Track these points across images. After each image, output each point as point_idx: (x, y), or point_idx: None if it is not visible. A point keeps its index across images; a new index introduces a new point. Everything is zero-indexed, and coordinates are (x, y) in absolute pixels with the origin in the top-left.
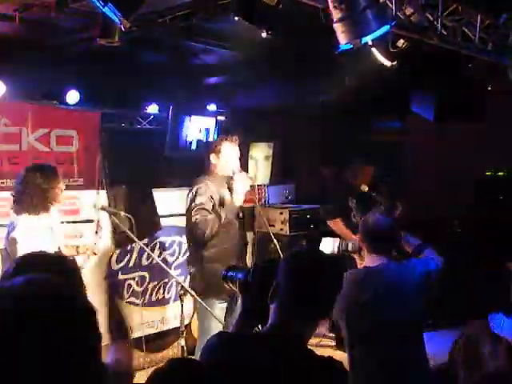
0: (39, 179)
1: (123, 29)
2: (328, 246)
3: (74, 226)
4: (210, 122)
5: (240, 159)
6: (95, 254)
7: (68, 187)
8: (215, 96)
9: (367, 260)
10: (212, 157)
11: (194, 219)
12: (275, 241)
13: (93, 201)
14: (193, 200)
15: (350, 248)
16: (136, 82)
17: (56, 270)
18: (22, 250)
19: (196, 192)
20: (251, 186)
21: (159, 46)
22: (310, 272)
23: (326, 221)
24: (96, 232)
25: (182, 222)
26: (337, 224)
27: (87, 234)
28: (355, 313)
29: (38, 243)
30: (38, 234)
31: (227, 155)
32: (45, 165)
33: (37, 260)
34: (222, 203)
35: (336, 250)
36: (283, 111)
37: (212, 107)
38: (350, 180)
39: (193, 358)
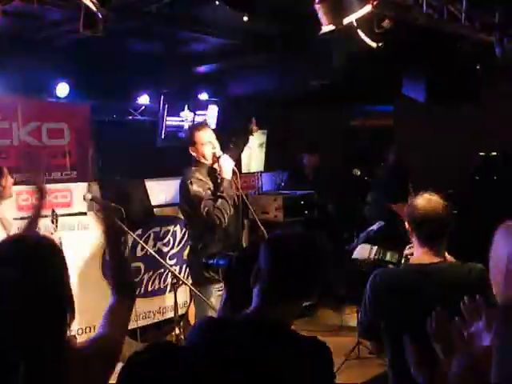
0: None
1: (100, 17)
2: (364, 252)
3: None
4: (201, 111)
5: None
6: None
7: (60, 180)
8: (207, 84)
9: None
10: (191, 150)
11: (203, 211)
12: (262, 228)
13: (84, 193)
14: (187, 192)
15: (388, 258)
16: (126, 72)
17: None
18: None
19: (188, 184)
20: (234, 173)
21: (148, 36)
22: (289, 253)
23: (389, 205)
24: (52, 221)
25: (175, 211)
26: (400, 207)
27: (79, 227)
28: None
29: None
30: None
31: (202, 143)
32: None
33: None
34: (219, 186)
35: (372, 257)
36: (275, 97)
37: (204, 96)
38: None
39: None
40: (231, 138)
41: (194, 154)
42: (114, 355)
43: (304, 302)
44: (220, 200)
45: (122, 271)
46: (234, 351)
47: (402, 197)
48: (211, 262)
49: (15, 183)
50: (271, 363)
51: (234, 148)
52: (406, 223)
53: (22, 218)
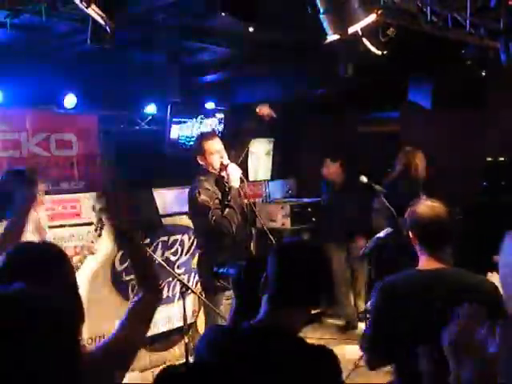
0: (11, 184)
1: (109, 30)
2: None
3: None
4: (208, 120)
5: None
6: (93, 253)
7: (69, 191)
8: (213, 93)
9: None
10: (199, 159)
11: (211, 220)
12: (271, 236)
13: (93, 203)
14: (194, 202)
15: None
16: (133, 83)
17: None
18: None
19: (196, 194)
20: (241, 181)
21: (155, 46)
22: (296, 261)
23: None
24: (95, 229)
25: (183, 220)
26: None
27: (88, 237)
28: None
29: None
30: None
31: (210, 152)
32: (18, 169)
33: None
34: (227, 195)
35: None
36: (282, 106)
37: (210, 105)
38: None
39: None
40: (232, 146)
41: (202, 162)
42: (127, 356)
43: (312, 310)
44: (228, 209)
45: (144, 266)
46: (242, 360)
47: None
48: (221, 270)
49: None
50: (278, 371)
51: (235, 154)
52: (409, 231)
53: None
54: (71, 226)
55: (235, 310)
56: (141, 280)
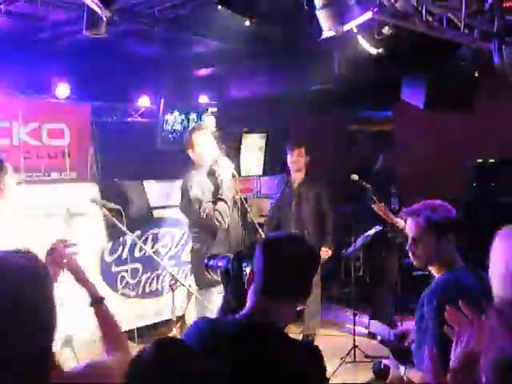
0: None
1: (104, 18)
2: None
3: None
4: (200, 114)
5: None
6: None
7: (60, 181)
8: (207, 87)
9: None
10: (189, 152)
11: (203, 214)
12: (260, 230)
13: (84, 194)
14: (186, 195)
15: None
16: (127, 74)
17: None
18: None
19: (188, 188)
20: (233, 175)
21: (149, 38)
22: (282, 255)
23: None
24: (65, 221)
25: (174, 213)
26: (380, 207)
27: (79, 228)
28: None
29: None
30: None
31: (201, 145)
32: None
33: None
34: (219, 188)
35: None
36: (275, 101)
37: (203, 98)
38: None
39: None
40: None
41: (192, 156)
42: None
43: (298, 305)
44: (219, 202)
45: (113, 332)
46: (226, 352)
47: (384, 199)
48: (211, 263)
49: None
50: (262, 365)
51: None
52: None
53: None
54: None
55: (224, 301)
56: (110, 344)
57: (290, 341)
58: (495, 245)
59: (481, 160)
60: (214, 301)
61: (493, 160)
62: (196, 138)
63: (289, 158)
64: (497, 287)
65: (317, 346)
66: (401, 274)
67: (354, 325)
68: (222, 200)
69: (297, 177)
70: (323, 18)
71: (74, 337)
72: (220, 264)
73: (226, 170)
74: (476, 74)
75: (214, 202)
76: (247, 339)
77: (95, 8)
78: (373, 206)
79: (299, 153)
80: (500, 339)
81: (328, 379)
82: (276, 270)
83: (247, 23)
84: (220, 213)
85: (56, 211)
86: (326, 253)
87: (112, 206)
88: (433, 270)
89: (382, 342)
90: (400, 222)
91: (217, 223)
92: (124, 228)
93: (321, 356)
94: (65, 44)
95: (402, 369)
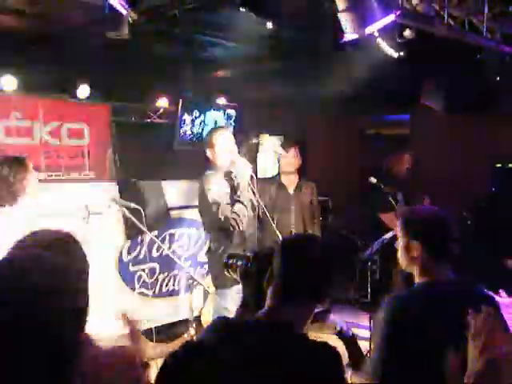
0: (4, 172)
1: (130, 20)
2: None
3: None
4: (219, 115)
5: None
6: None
7: (79, 180)
8: (225, 89)
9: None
10: (208, 152)
11: (221, 216)
12: (277, 232)
13: (103, 193)
14: (204, 198)
15: None
16: (146, 75)
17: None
18: None
19: (206, 190)
20: (251, 177)
21: (169, 40)
22: (301, 256)
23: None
24: (83, 218)
25: (191, 214)
26: (387, 217)
27: (97, 227)
28: None
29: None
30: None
31: (221, 146)
32: (12, 157)
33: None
34: (236, 190)
35: None
36: (292, 103)
37: (221, 100)
38: (394, 170)
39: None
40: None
41: (211, 156)
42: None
43: (316, 306)
44: (237, 204)
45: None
46: (244, 352)
47: (389, 207)
48: (231, 261)
49: None
50: (279, 366)
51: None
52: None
53: None
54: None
55: (242, 300)
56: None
57: (307, 342)
58: None
59: (500, 164)
60: (231, 301)
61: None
62: (216, 138)
63: (282, 159)
64: None
65: (335, 348)
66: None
67: (370, 330)
68: (240, 202)
69: (290, 180)
70: (345, 20)
71: (92, 335)
72: (239, 263)
73: (244, 171)
74: (498, 78)
75: (232, 204)
76: (265, 339)
77: (121, 9)
78: (380, 215)
79: (294, 153)
80: None
81: (345, 381)
82: (294, 271)
83: (269, 26)
84: (238, 215)
85: (75, 211)
86: None
87: (132, 206)
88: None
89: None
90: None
91: (234, 225)
92: (144, 228)
93: (339, 358)
94: (86, 45)
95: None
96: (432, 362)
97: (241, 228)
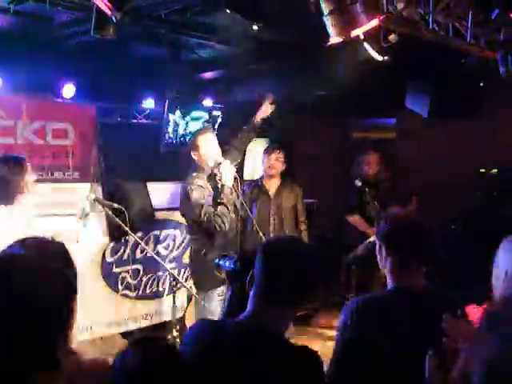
0: (2, 171)
1: (115, 20)
2: None
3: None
4: (204, 117)
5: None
6: (77, 241)
7: (63, 180)
8: (211, 90)
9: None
10: (193, 154)
11: (203, 217)
12: (261, 234)
13: (87, 194)
14: (187, 199)
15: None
16: (132, 76)
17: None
18: None
19: (188, 191)
20: (235, 179)
21: (155, 40)
22: (281, 259)
23: (346, 217)
24: (80, 218)
25: (176, 215)
26: (355, 219)
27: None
28: None
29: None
30: None
31: (205, 147)
32: (11, 156)
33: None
34: (220, 192)
35: None
36: (280, 105)
37: (208, 102)
38: (365, 171)
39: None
40: (232, 140)
41: (195, 158)
42: None
43: (297, 309)
44: (220, 206)
45: None
46: (224, 355)
47: (359, 209)
48: (221, 262)
49: None
50: (258, 369)
51: (234, 150)
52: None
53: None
54: (64, 215)
55: (229, 301)
56: None
57: (288, 345)
58: (498, 252)
59: (483, 170)
60: (213, 303)
61: (496, 170)
62: (201, 140)
63: (265, 162)
64: (498, 292)
65: (316, 352)
66: None
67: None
68: (223, 204)
69: (272, 184)
70: (330, 24)
71: None
72: (227, 264)
73: (228, 174)
74: (481, 84)
75: (215, 206)
76: (246, 343)
77: (105, 10)
78: (347, 217)
79: (277, 157)
80: (486, 339)
81: None
82: (276, 274)
83: (254, 27)
84: (220, 217)
85: (58, 211)
86: None
87: (115, 206)
88: None
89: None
90: (370, 233)
91: (217, 227)
92: (127, 229)
93: (320, 362)
94: (71, 44)
95: None
96: (389, 372)
97: (223, 229)
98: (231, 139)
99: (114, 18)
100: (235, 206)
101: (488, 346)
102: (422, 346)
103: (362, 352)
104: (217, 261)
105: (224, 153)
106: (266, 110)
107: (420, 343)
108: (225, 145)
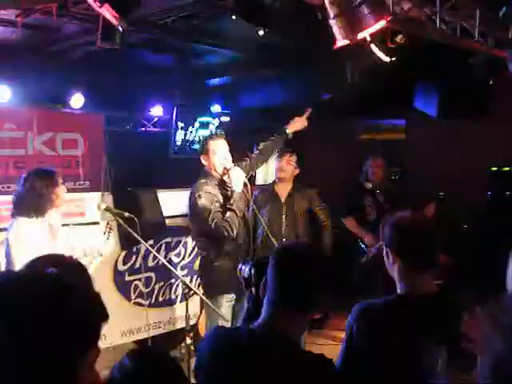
0: (37, 183)
1: (121, 30)
2: None
3: (80, 228)
4: (213, 123)
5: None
6: (101, 255)
7: (74, 190)
8: (219, 96)
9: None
10: (203, 158)
11: (211, 223)
12: (273, 239)
13: (98, 202)
14: (195, 205)
15: None
16: (140, 84)
17: (66, 270)
18: (15, 251)
19: (196, 198)
20: (245, 185)
21: (162, 48)
22: (293, 265)
23: (341, 219)
24: (104, 233)
25: (187, 222)
26: (349, 222)
27: (93, 236)
28: None
29: (31, 245)
30: (31, 236)
31: (216, 153)
32: (44, 169)
33: (46, 260)
34: (229, 198)
35: None
36: (288, 110)
37: (216, 108)
38: (369, 176)
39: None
40: (258, 143)
41: (205, 162)
42: None
43: (310, 315)
44: (229, 212)
45: None
46: (239, 363)
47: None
48: (241, 267)
49: None
50: (273, 377)
51: (259, 155)
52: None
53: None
54: (75, 225)
55: (247, 309)
56: None
57: (302, 353)
58: None
59: (495, 168)
60: (224, 309)
61: (507, 168)
62: (211, 144)
63: (276, 165)
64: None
65: (331, 360)
66: None
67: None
68: (232, 210)
69: (283, 188)
70: (337, 27)
71: None
72: (244, 270)
73: (238, 180)
74: (491, 82)
75: (224, 212)
76: (259, 351)
77: (112, 19)
78: (343, 220)
79: (288, 160)
80: (491, 338)
81: None
82: (288, 281)
83: (261, 33)
84: (229, 223)
85: (68, 221)
86: None
87: (126, 215)
88: None
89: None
90: (367, 238)
91: (225, 233)
92: (139, 237)
93: (334, 369)
94: (79, 54)
95: None
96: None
97: (232, 235)
98: (259, 142)
99: (120, 28)
100: (244, 213)
101: (492, 345)
102: (423, 355)
103: (363, 362)
104: (239, 266)
105: (244, 158)
106: (301, 123)
107: (421, 353)
108: (233, 151)
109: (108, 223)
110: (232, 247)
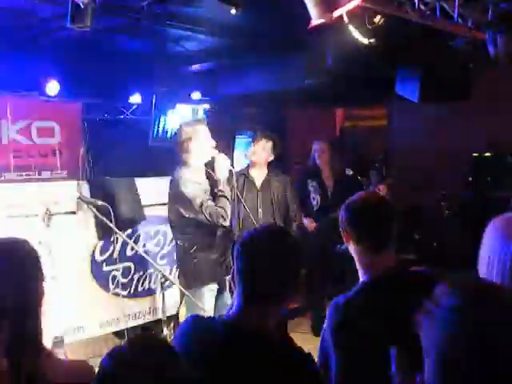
0: None
1: (89, 11)
2: None
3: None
4: (193, 110)
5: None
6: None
7: (51, 179)
8: (199, 83)
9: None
10: (182, 147)
11: (206, 214)
12: (257, 225)
13: (74, 192)
14: (179, 194)
15: None
16: (118, 71)
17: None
18: None
19: (181, 185)
20: (229, 172)
21: (139, 34)
22: (258, 252)
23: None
24: (43, 219)
25: (166, 211)
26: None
27: (69, 227)
28: None
29: None
30: None
31: (198, 140)
32: None
33: None
34: (216, 186)
35: None
36: (268, 97)
37: (196, 95)
38: (316, 161)
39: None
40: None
41: (185, 151)
42: None
43: (282, 304)
44: (222, 199)
45: None
46: (213, 355)
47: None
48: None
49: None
50: (247, 370)
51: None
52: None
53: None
54: (52, 214)
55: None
56: None
57: (276, 344)
58: (485, 234)
59: (476, 154)
60: (204, 300)
61: (488, 154)
62: (191, 132)
63: (249, 150)
64: (483, 274)
65: (309, 354)
66: None
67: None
68: (224, 196)
69: (258, 174)
70: (312, 5)
71: (65, 338)
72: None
73: (223, 166)
74: (471, 65)
75: (215, 200)
76: (233, 342)
77: (79, 0)
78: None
79: (263, 146)
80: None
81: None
82: (256, 270)
83: (233, 11)
84: (224, 209)
85: (44, 210)
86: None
87: (99, 203)
88: None
89: None
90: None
91: (220, 221)
92: (113, 226)
93: (313, 360)
94: (54, 41)
95: None
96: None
97: (227, 222)
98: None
99: (88, 9)
100: (232, 198)
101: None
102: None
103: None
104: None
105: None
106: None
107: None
108: (214, 137)
109: (47, 210)
110: (222, 235)
